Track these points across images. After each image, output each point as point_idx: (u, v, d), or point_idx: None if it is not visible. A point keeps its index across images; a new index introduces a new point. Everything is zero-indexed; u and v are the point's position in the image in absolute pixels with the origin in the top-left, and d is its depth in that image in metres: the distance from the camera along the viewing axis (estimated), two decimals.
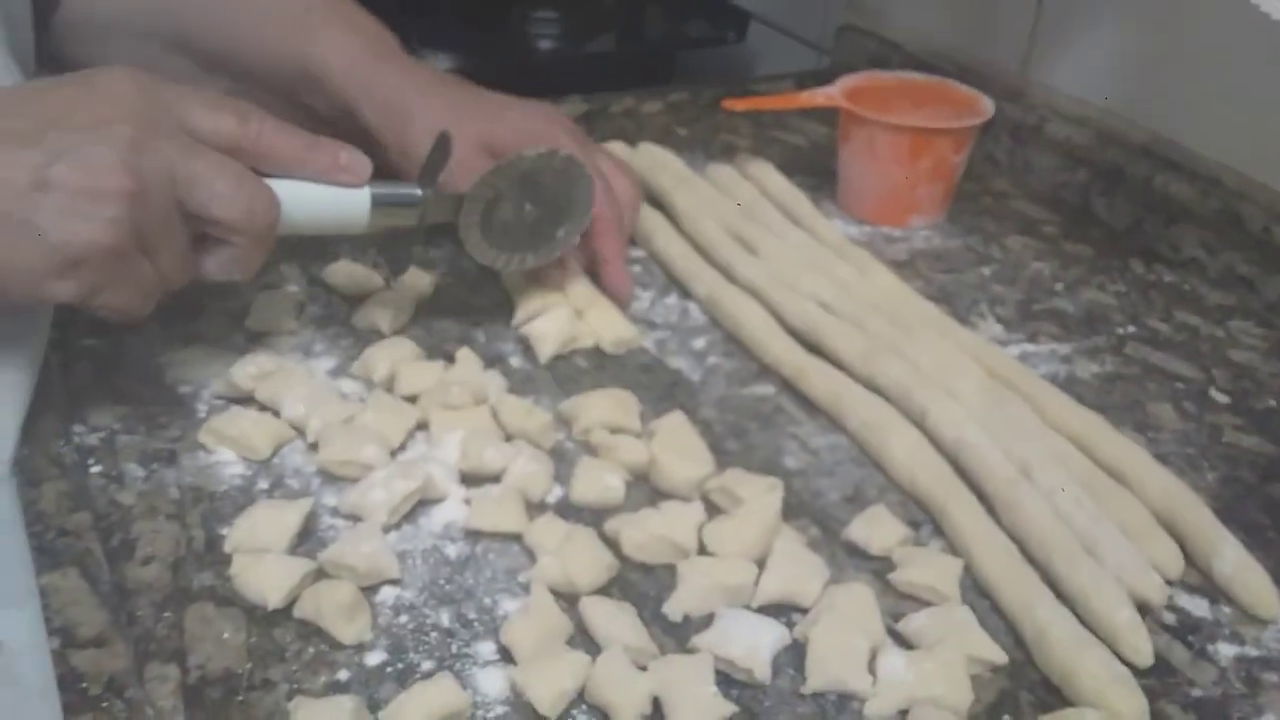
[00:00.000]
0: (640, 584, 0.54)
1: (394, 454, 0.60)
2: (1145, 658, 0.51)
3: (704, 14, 1.31)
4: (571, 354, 0.70)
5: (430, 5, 1.29)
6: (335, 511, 0.57)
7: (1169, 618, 0.54)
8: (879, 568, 0.56)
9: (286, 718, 0.46)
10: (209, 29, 0.74)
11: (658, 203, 0.85)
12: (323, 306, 0.72)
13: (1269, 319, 0.78)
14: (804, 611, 0.52)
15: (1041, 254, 0.85)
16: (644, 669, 0.48)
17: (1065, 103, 0.94)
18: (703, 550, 0.55)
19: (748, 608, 0.52)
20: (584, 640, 0.51)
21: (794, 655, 0.50)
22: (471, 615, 0.52)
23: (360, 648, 0.50)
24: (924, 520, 0.59)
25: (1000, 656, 0.51)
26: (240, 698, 0.47)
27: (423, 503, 0.57)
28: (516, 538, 0.56)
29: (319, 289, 0.74)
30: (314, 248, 0.75)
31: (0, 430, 0.58)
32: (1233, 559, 0.55)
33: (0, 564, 0.53)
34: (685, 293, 0.77)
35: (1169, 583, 0.55)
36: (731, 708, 0.47)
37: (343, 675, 0.49)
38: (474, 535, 0.56)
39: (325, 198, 0.61)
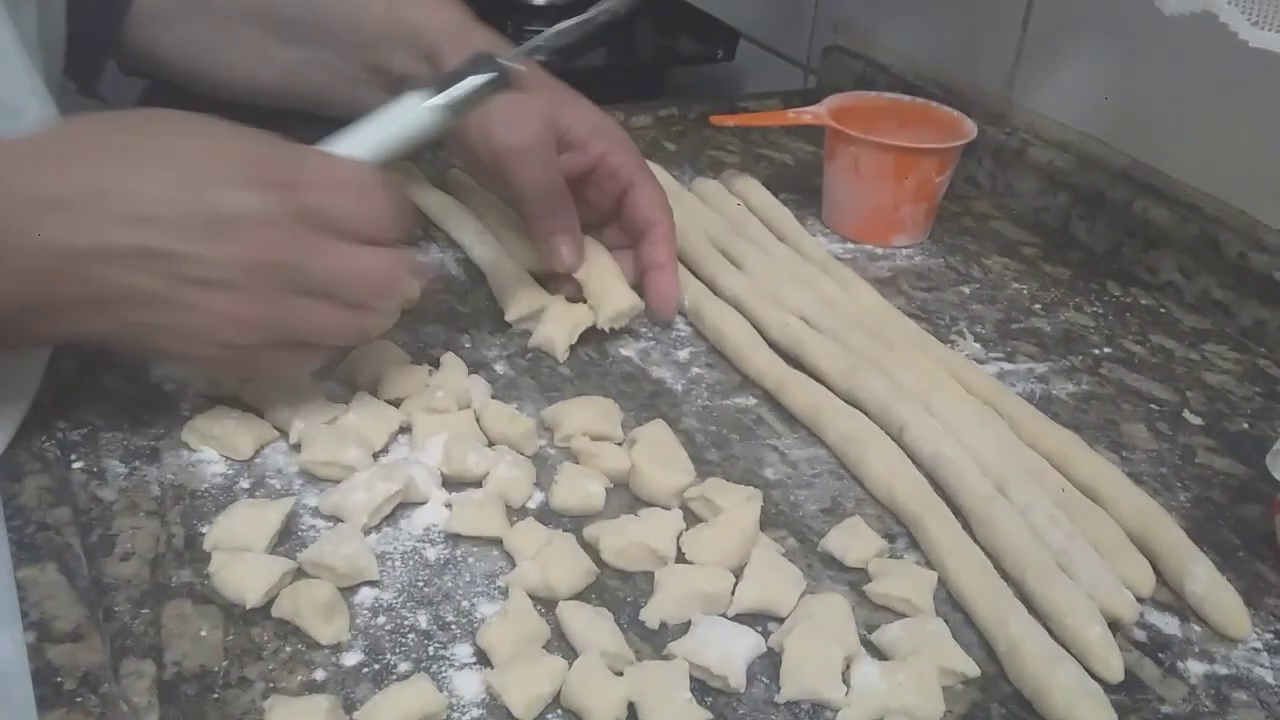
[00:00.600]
0: (618, 590, 0.54)
1: (376, 456, 0.60)
2: (1116, 674, 0.51)
3: (694, 32, 1.32)
4: (554, 363, 0.70)
5: None
6: (316, 512, 0.57)
7: (1140, 635, 0.55)
8: (855, 579, 0.56)
9: (262, 716, 0.46)
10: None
11: None
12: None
13: (1243, 343, 0.79)
14: (780, 621, 0.53)
15: (1021, 275, 0.86)
16: (620, 675, 0.49)
17: (1047, 127, 0.96)
18: (681, 558, 0.55)
19: (724, 616, 0.53)
20: (561, 645, 0.51)
21: (769, 664, 0.51)
22: (449, 618, 0.52)
23: (337, 648, 0.50)
24: (900, 533, 0.59)
25: (973, 669, 0.51)
26: (216, 695, 0.47)
27: (404, 505, 0.58)
28: (496, 542, 0.56)
29: None
30: None
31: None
32: (1204, 578, 0.56)
33: None
34: None
35: (1141, 600, 0.56)
36: (706, 715, 0.47)
37: (319, 675, 0.49)
38: (454, 539, 0.56)
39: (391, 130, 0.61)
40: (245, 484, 0.59)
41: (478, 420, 0.63)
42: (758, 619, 0.53)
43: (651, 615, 0.52)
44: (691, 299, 0.75)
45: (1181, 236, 0.84)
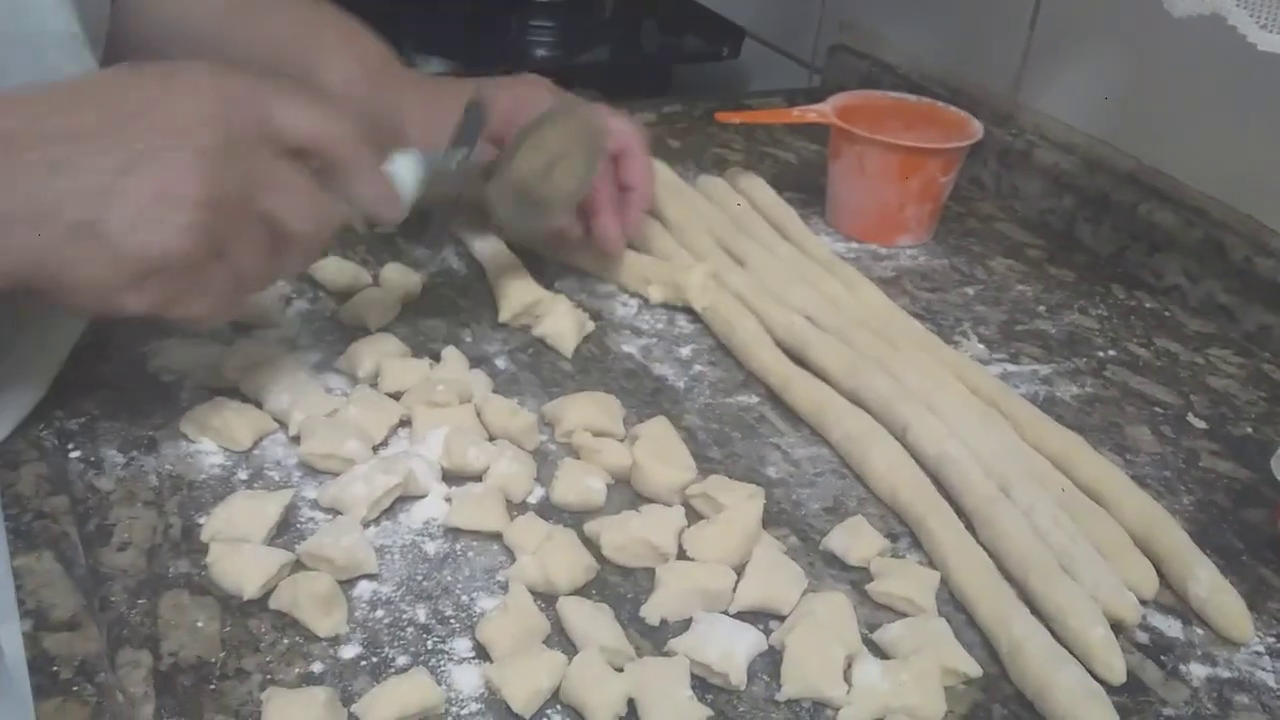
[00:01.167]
0: (619, 586, 0.54)
1: (376, 449, 0.60)
2: (1118, 675, 0.51)
3: (699, 29, 1.32)
4: (556, 358, 0.70)
5: (428, 12, 1.29)
6: (315, 504, 0.57)
7: (1142, 637, 0.54)
8: (857, 578, 0.56)
9: (259, 708, 0.46)
10: (217, 47, 0.73)
11: (649, 212, 0.85)
12: (310, 301, 0.72)
13: (1248, 348, 0.79)
14: (781, 619, 0.53)
15: (1026, 277, 0.86)
16: (620, 670, 0.48)
17: (1054, 128, 0.95)
18: (682, 555, 0.55)
19: (725, 613, 0.52)
20: (561, 640, 0.51)
21: (770, 662, 0.51)
22: (449, 612, 0.52)
23: (335, 640, 0.50)
24: (902, 533, 0.59)
25: (975, 669, 0.51)
26: (213, 686, 0.47)
27: (403, 499, 0.57)
28: (496, 537, 0.56)
29: (306, 284, 0.74)
30: None
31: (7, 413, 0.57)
32: (1207, 581, 0.56)
33: None
34: None
35: (1143, 602, 0.55)
36: (706, 712, 0.47)
37: (317, 667, 0.48)
38: (454, 533, 0.56)
39: None
40: (244, 475, 0.58)
41: (478, 414, 0.63)
42: (759, 617, 0.53)
43: (652, 611, 0.52)
44: (708, 290, 0.75)
45: (1187, 240, 0.83)
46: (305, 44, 0.72)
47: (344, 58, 0.72)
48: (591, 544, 0.55)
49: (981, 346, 0.76)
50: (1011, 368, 0.74)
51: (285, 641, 0.50)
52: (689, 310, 0.75)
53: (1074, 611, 0.52)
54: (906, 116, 0.90)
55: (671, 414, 0.65)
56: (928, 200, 0.87)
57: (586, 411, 0.63)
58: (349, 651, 0.49)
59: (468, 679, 0.48)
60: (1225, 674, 0.53)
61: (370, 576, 0.53)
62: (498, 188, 0.67)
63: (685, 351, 0.72)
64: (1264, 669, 0.53)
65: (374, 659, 0.49)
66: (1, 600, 0.49)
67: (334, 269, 0.73)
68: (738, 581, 0.53)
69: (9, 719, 0.45)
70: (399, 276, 0.74)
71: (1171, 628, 0.55)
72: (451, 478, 0.59)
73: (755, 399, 0.68)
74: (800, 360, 0.70)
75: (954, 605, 0.55)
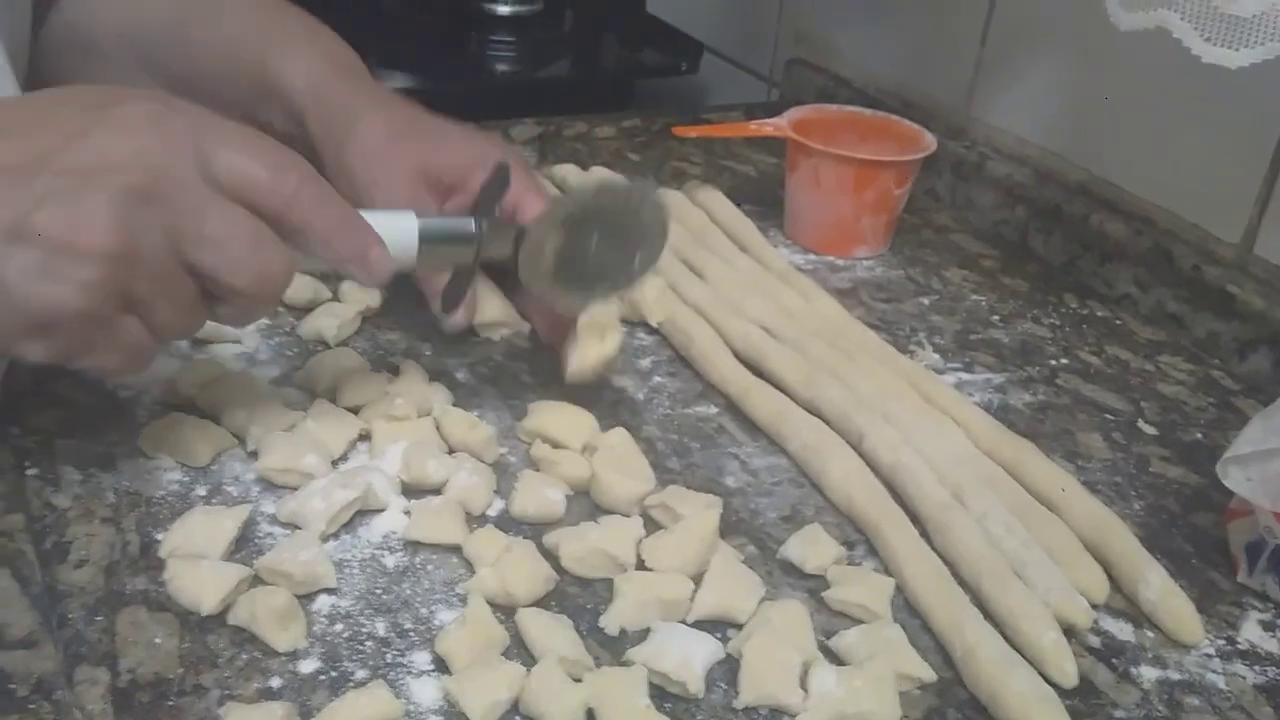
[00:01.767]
0: (578, 597, 0.54)
1: (335, 463, 0.60)
2: (1070, 679, 0.52)
3: (659, 44, 1.33)
4: (517, 371, 0.70)
5: (390, 26, 1.29)
6: (273, 519, 0.57)
7: (1094, 640, 0.55)
8: (813, 586, 0.56)
9: None
10: (173, 47, 0.72)
11: None
12: (269, 316, 0.72)
13: (1197, 355, 0.80)
14: (739, 627, 0.53)
15: (980, 287, 0.87)
16: (579, 681, 0.49)
17: (1006, 141, 0.97)
18: (641, 565, 0.55)
19: (683, 622, 0.53)
20: (520, 652, 0.51)
21: (728, 670, 0.51)
22: (408, 625, 0.52)
23: (294, 655, 0.50)
24: (858, 540, 0.60)
25: (929, 674, 0.51)
26: (171, 702, 0.47)
27: (362, 512, 0.57)
28: (456, 549, 0.56)
29: None
30: None
31: None
32: (1158, 585, 0.57)
33: None
34: None
35: (1095, 607, 0.56)
36: None
37: (275, 682, 0.48)
38: (413, 546, 0.56)
39: None
40: (202, 491, 0.58)
41: (438, 427, 0.63)
42: (717, 625, 0.53)
43: (611, 622, 0.52)
44: (662, 305, 0.75)
45: (1137, 250, 0.85)
46: (266, 41, 0.69)
47: (308, 56, 0.69)
48: (551, 555, 0.55)
49: (936, 356, 0.77)
50: (966, 376, 0.75)
51: (244, 657, 0.49)
52: (647, 322, 0.76)
53: (1026, 616, 0.53)
54: (862, 130, 0.91)
55: (631, 425, 0.65)
56: (883, 212, 0.88)
57: (556, 421, 0.63)
58: (308, 666, 0.49)
59: (427, 692, 0.49)
60: (1176, 676, 0.54)
61: (329, 591, 0.53)
62: (534, 259, 0.61)
63: (645, 363, 0.73)
64: (1214, 671, 0.54)
65: (333, 673, 0.49)
66: None
67: (294, 284, 0.73)
68: (695, 590, 0.54)
69: None
70: (359, 291, 0.74)
71: (1123, 631, 0.56)
72: (411, 491, 0.59)
73: (714, 409, 0.69)
74: (758, 371, 0.71)
75: (909, 611, 0.55)
